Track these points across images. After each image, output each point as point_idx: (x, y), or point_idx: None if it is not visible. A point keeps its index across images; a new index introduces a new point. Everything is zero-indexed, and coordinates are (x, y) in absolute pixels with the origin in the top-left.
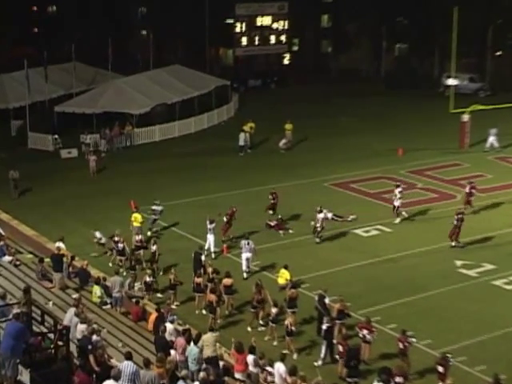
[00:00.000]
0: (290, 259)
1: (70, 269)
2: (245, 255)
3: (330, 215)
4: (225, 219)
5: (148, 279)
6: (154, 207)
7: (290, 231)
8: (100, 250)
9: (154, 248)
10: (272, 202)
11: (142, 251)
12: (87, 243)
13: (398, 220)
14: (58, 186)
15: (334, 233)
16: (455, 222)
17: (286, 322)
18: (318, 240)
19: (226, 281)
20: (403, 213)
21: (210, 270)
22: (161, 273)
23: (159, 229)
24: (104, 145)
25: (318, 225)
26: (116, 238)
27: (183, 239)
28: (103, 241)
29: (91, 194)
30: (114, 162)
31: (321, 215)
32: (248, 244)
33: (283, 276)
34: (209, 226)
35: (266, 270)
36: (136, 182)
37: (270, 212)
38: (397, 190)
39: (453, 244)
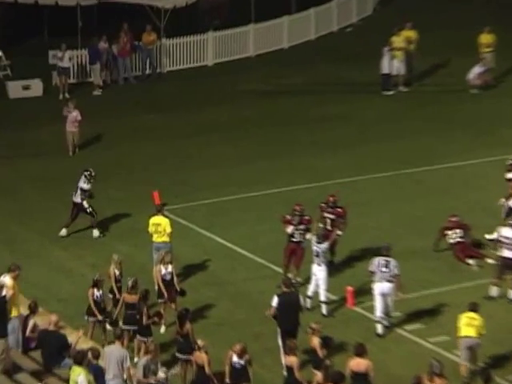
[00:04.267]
0: (488, 316)
1: (28, 330)
2: (381, 287)
3: None
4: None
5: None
6: (81, 184)
7: (489, 261)
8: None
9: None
10: (325, 226)
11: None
12: (62, 276)
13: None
14: (2, 160)
15: None
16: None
17: None
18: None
19: (356, 363)
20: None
21: (315, 341)
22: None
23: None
24: (99, 73)
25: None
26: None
27: (261, 271)
28: None
29: (69, 178)
30: (117, 108)
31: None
32: (387, 266)
33: (473, 323)
34: (316, 248)
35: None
36: (161, 153)
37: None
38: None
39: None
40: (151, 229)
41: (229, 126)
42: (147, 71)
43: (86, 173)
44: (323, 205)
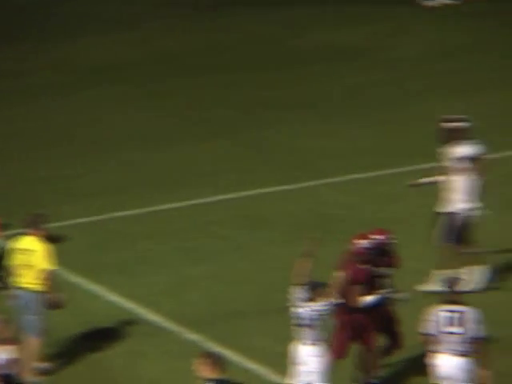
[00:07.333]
0: None
1: None
2: (446, 364)
3: None
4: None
5: None
6: None
7: None
8: None
9: None
10: None
11: None
12: None
13: None
14: None
15: None
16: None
17: None
18: None
19: None
20: None
21: None
22: None
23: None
24: None
25: None
26: None
27: (190, 357)
28: None
29: None
30: None
31: None
32: (458, 322)
33: None
34: (303, 312)
35: None
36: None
37: None
38: None
39: None
40: (13, 259)
41: (133, 71)
42: None
43: None
44: (363, 249)
